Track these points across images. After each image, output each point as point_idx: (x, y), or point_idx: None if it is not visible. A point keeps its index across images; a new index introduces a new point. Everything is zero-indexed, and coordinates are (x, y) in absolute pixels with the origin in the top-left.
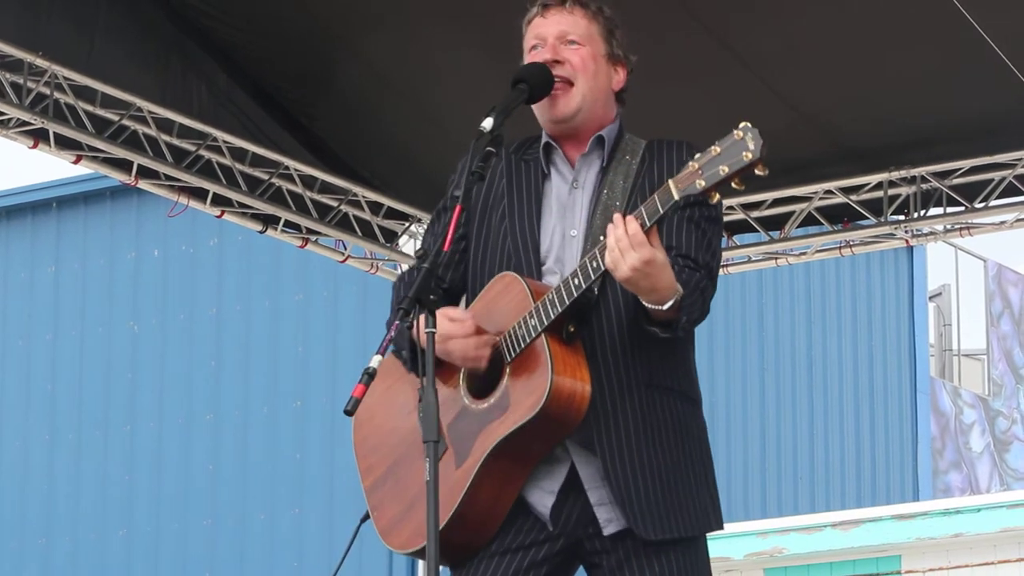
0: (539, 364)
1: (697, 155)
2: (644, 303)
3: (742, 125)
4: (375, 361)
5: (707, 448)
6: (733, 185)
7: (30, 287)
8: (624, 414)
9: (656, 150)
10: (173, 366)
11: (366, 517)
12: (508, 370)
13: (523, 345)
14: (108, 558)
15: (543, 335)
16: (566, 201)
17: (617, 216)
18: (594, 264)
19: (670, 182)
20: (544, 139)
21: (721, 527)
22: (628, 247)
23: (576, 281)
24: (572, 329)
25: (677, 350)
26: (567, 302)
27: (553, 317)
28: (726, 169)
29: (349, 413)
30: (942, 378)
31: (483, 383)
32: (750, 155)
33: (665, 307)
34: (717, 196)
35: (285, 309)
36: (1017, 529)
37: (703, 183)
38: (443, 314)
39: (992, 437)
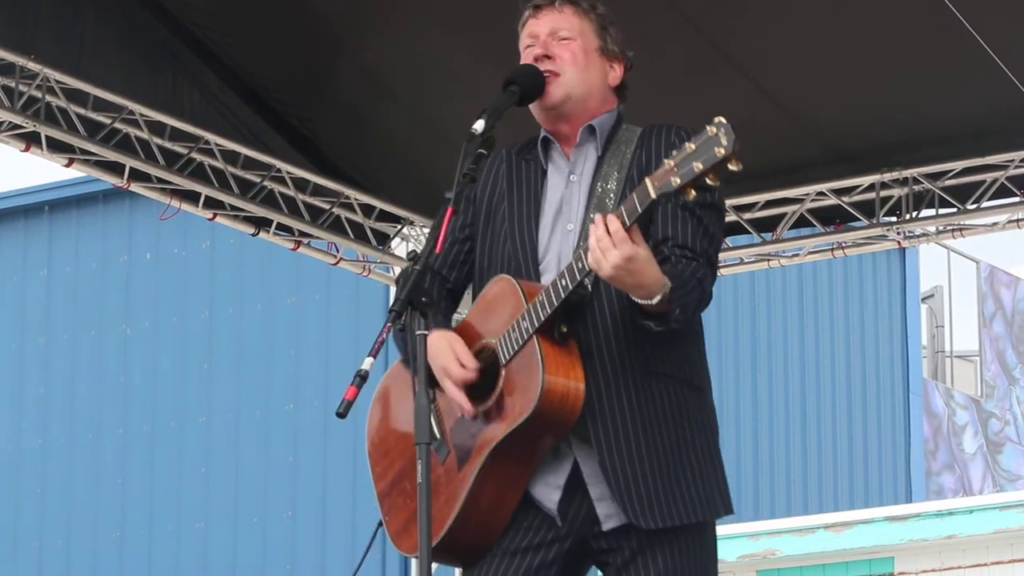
0: (532, 366)
1: (674, 152)
2: (635, 299)
3: (716, 120)
4: (367, 363)
5: (713, 435)
6: (708, 180)
7: (22, 290)
8: (620, 405)
9: (648, 136)
10: (165, 369)
11: (381, 523)
12: (504, 373)
13: (516, 348)
14: (101, 561)
15: (535, 337)
16: (564, 195)
17: (598, 216)
18: (579, 264)
19: (647, 180)
20: (542, 135)
21: (730, 511)
22: (609, 245)
23: (563, 282)
24: (564, 329)
25: (676, 337)
26: (555, 303)
27: (543, 319)
28: (700, 166)
29: (341, 415)
30: (935, 380)
31: (482, 387)
32: (723, 151)
33: (654, 301)
34: (693, 192)
35: (277, 312)
36: (1010, 531)
37: (678, 180)
38: (454, 352)
39: (985, 439)
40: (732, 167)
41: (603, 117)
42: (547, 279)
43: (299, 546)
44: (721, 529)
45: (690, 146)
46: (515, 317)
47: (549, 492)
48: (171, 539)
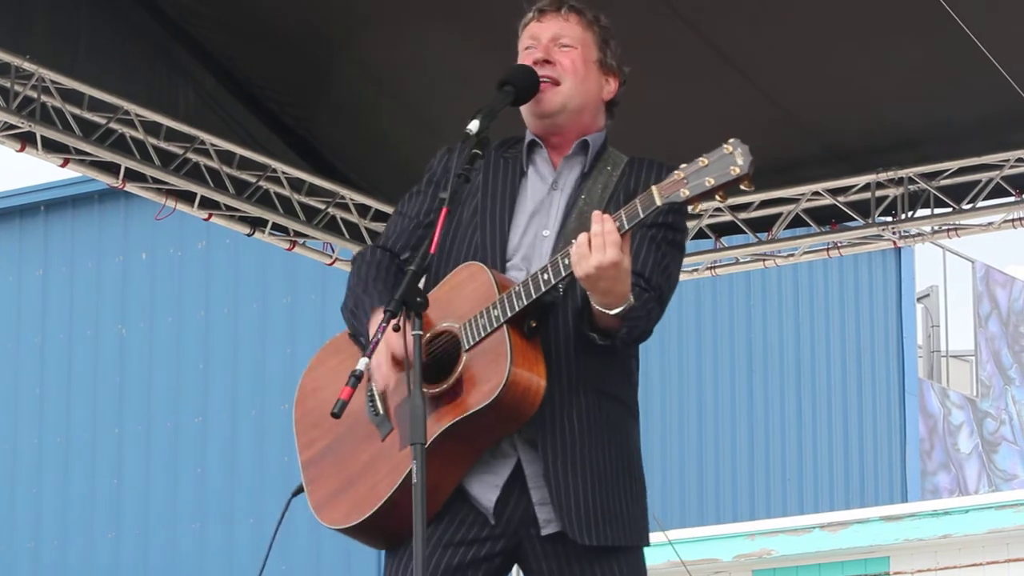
0: (498, 354)
1: (683, 165)
2: (593, 304)
3: (732, 140)
4: (362, 364)
5: (641, 462)
6: (716, 198)
7: (18, 290)
8: (571, 416)
9: (637, 166)
10: (161, 369)
11: (299, 490)
12: (464, 358)
13: (483, 334)
14: (97, 561)
15: (505, 326)
16: (543, 201)
17: (596, 213)
18: (565, 261)
19: (653, 188)
20: (528, 138)
21: (648, 544)
22: (601, 245)
23: (545, 276)
24: (534, 324)
25: (624, 363)
26: (533, 296)
27: (518, 309)
28: (712, 181)
29: (336, 415)
30: (930, 379)
31: (435, 369)
32: (738, 170)
33: (613, 312)
34: (699, 206)
35: (273, 312)
36: (1005, 530)
37: (687, 192)
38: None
39: (980, 438)
40: (745, 188)
41: (595, 135)
42: (512, 276)
43: (295, 546)
44: (717, 529)
45: (703, 161)
46: (484, 304)
47: (486, 491)
48: (166, 539)
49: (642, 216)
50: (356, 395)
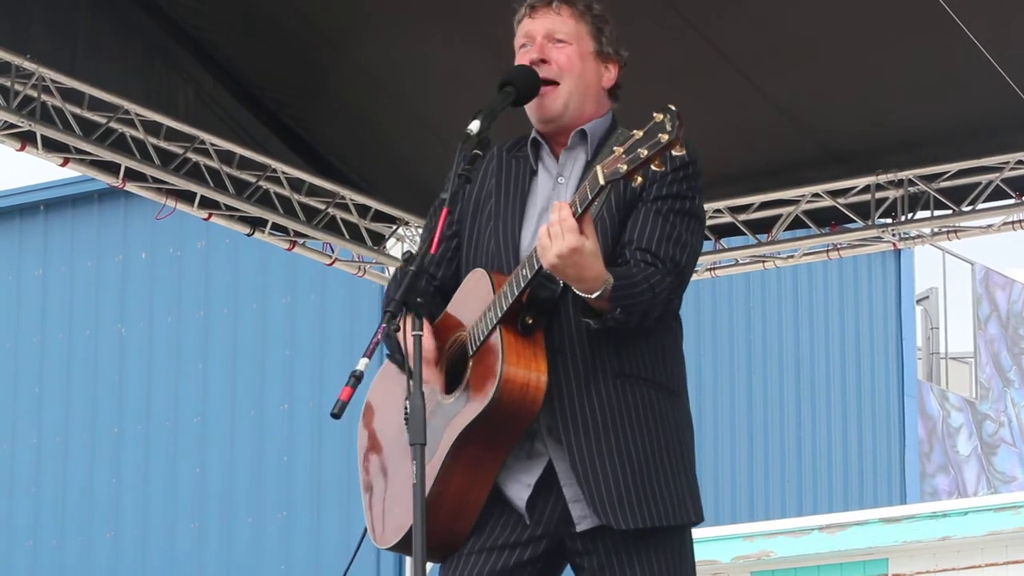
0: (493, 356)
1: (624, 140)
2: (575, 291)
3: (664, 107)
4: (362, 364)
5: (687, 438)
6: (654, 167)
7: (17, 290)
8: (591, 405)
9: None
10: (160, 369)
11: (366, 531)
12: (471, 363)
13: (482, 338)
14: (95, 561)
15: (498, 327)
16: (550, 196)
17: (555, 203)
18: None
19: (597, 167)
20: (532, 136)
21: (700, 519)
22: (558, 233)
23: (524, 272)
24: (530, 320)
25: (651, 340)
26: (516, 293)
27: (506, 308)
28: (645, 152)
29: (336, 416)
30: (929, 381)
31: (455, 377)
32: (666, 136)
33: (594, 296)
34: (640, 179)
35: (272, 312)
36: (1004, 532)
37: (625, 167)
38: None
39: (979, 440)
40: (676, 152)
41: (596, 122)
42: None
43: (293, 546)
44: (716, 530)
45: (637, 133)
46: (484, 308)
47: (520, 490)
48: (165, 539)
49: (591, 197)
50: (397, 417)
